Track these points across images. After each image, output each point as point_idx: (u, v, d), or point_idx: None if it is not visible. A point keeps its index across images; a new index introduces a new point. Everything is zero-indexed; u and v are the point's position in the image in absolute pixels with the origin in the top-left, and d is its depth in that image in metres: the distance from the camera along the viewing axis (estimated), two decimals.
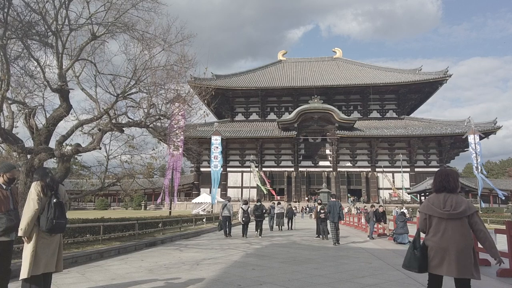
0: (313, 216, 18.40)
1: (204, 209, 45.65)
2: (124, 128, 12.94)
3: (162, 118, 12.05)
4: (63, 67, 12.09)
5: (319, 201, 21.04)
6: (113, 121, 11.49)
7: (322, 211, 16.47)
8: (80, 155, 14.58)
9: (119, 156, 14.51)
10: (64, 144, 12.36)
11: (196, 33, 12.95)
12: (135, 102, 13.34)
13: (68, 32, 10.88)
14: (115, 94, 11.47)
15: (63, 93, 12.06)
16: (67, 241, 12.11)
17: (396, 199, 58.65)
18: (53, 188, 5.35)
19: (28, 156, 12.05)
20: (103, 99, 13.67)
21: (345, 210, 43.82)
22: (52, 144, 13.32)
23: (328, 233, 16.29)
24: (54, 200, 5.23)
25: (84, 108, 20.48)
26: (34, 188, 5.16)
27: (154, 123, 12.11)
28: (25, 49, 10.14)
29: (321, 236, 17.22)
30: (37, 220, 5.09)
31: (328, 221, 15.76)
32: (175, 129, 13.67)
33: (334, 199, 15.92)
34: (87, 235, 13.27)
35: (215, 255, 11.11)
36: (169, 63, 13.58)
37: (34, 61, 11.03)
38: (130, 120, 12.18)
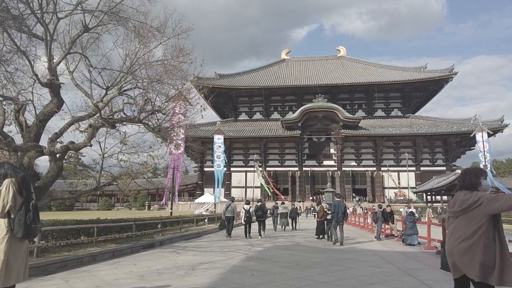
0: (318, 216, 17.69)
1: (207, 209, 45.02)
2: (117, 124, 12.32)
3: (156, 113, 11.39)
4: (53, 60, 11.52)
5: (318, 201, 20.39)
6: (105, 116, 10.82)
7: (329, 212, 15.82)
8: (83, 155, 14.13)
9: (116, 154, 13.92)
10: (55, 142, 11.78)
11: (194, 24, 12.27)
12: (132, 98, 12.73)
13: (56, 21, 10.22)
14: (105, 87, 10.82)
15: (54, 87, 11.45)
16: (60, 243, 11.54)
17: (402, 198, 57.82)
18: (28, 187, 4.71)
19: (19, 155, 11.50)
20: (99, 96, 13.10)
21: (350, 209, 43.13)
22: (45, 142, 12.79)
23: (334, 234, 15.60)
24: (32, 202, 4.60)
25: (80, 106, 19.83)
26: (7, 187, 4.46)
27: (149, 117, 11.44)
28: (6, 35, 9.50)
29: (326, 237, 16.57)
30: (8, 223, 4.43)
31: (333, 221, 15.15)
32: (172, 125, 13.00)
33: (339, 199, 15.33)
34: (82, 237, 12.64)
35: (213, 259, 10.45)
36: (165, 57, 12.96)
37: (21, 53, 10.41)
38: (124, 116, 11.53)
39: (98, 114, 10.53)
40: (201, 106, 12.28)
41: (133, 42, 12.27)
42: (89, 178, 17.61)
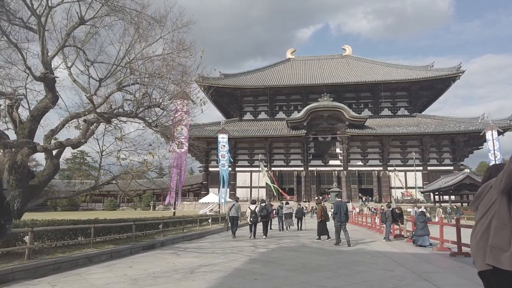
0: (319, 217, 17.15)
1: (212, 209, 44.59)
2: (115, 121, 11.84)
3: (153, 107, 10.87)
4: (48, 54, 11.06)
5: (318, 201, 19.91)
6: (100, 111, 10.32)
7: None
8: (88, 155, 13.75)
9: (116, 152, 13.44)
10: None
11: (194, 15, 11.75)
12: (130, 93, 12.25)
13: (48, 10, 9.74)
14: (98, 79, 10.32)
15: (48, 81, 11.00)
16: (56, 244, 11.08)
17: (409, 198, 57.04)
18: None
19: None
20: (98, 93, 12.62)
21: (356, 210, 42.50)
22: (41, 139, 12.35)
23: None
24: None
25: (80, 104, 19.52)
26: None
27: (146, 112, 10.92)
28: None
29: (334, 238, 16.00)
30: None
31: (334, 222, 14.69)
32: (172, 121, 12.48)
33: (340, 199, 14.93)
34: (79, 238, 12.14)
35: (214, 261, 9.90)
36: (165, 51, 12.46)
37: (13, 45, 9.95)
38: (121, 111, 11.02)
39: (92, 108, 9.99)
40: (200, 100, 11.75)
41: (131, 36, 11.82)
42: (90, 177, 17.16)
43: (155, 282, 6.93)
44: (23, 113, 12.52)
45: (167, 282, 6.97)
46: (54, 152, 12.39)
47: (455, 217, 30.01)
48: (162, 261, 9.92)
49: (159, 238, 15.72)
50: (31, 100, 12.57)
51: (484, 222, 3.07)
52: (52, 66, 11.71)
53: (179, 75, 12.07)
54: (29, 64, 11.56)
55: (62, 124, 12.24)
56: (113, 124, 11.53)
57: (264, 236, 17.58)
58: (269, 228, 19.88)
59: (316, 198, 59.00)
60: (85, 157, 73.94)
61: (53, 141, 11.17)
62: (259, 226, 18.46)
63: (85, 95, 10.35)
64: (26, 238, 9.38)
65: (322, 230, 16.78)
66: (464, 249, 10.94)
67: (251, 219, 17.98)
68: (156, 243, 14.46)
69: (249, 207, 18.78)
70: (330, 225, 16.01)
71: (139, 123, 12.70)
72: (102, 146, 13.14)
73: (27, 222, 9.98)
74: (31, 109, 11.35)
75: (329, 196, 56.53)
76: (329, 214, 19.19)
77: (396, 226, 17.71)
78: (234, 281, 7.08)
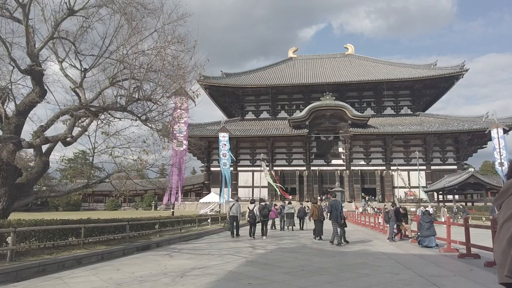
0: (310, 216, 16.78)
1: (212, 209, 44.04)
2: (109, 117, 11.31)
3: (143, 100, 10.32)
4: (34, 45, 10.55)
5: (314, 200, 19.59)
6: (86, 104, 9.78)
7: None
8: (90, 155, 13.37)
9: (110, 149, 12.92)
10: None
11: (187, 4, 11.21)
12: (123, 88, 11.73)
13: None
14: (82, 69, 9.79)
15: (35, 75, 10.48)
16: (45, 245, 10.59)
17: (412, 198, 56.35)
18: None
19: None
20: (89, 86, 12.13)
21: (360, 209, 41.92)
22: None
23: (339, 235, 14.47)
24: None
25: (72, 100, 19.01)
26: None
27: (138, 105, 10.39)
28: None
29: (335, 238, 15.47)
30: None
31: (331, 221, 14.28)
32: (163, 114, 11.94)
33: (335, 198, 14.55)
34: (70, 238, 11.62)
35: (208, 263, 9.34)
36: (158, 43, 11.94)
37: None
38: (109, 104, 10.47)
39: (79, 102, 9.46)
40: (193, 92, 11.19)
41: (122, 26, 11.31)
42: (84, 175, 16.66)
43: (140, 287, 6.38)
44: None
45: (153, 287, 6.41)
46: (44, 149, 11.90)
47: (460, 217, 29.41)
48: (153, 263, 9.38)
49: (155, 238, 15.21)
50: (21, 96, 12.12)
51: (506, 222, 2.51)
52: (41, 59, 11.24)
53: (173, 68, 11.55)
54: (22, 60, 11.14)
55: (52, 120, 11.74)
56: (104, 119, 11.01)
57: (264, 237, 17.13)
58: (269, 228, 19.43)
59: (319, 198, 58.54)
60: (86, 157, 73.71)
61: (42, 137, 10.66)
62: (259, 226, 18.00)
63: (70, 87, 9.81)
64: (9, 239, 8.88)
65: (319, 230, 16.30)
66: (473, 250, 10.38)
67: (249, 219, 17.65)
68: (151, 243, 13.95)
69: (248, 207, 18.37)
70: (328, 226, 15.50)
71: (133, 119, 12.20)
72: (94, 143, 12.66)
73: (11, 222, 9.47)
74: (17, 103, 10.82)
75: (330, 196, 55.88)
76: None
77: (400, 226, 17.12)
78: (226, 286, 6.51)
